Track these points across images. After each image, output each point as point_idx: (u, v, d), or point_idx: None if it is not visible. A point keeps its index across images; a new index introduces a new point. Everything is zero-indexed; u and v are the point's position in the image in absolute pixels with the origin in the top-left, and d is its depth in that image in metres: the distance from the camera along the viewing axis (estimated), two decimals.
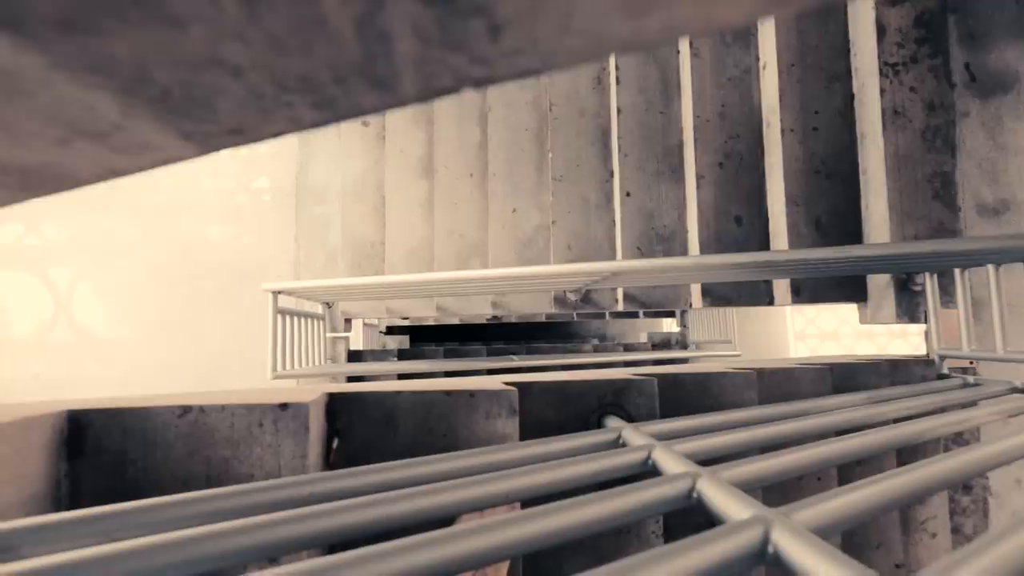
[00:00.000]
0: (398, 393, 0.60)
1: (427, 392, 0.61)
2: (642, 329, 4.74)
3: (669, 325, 4.41)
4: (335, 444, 0.59)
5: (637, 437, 0.55)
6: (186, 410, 0.48)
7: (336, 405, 0.60)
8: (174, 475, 0.48)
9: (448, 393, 0.61)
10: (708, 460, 0.49)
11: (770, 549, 0.30)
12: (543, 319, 4.53)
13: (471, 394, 0.61)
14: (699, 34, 0.14)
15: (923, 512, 1.27)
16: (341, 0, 0.13)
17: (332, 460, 0.58)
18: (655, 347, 3.60)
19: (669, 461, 0.47)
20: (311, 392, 0.55)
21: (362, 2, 0.13)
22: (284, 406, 0.49)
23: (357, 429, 0.60)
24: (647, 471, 0.49)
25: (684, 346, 3.51)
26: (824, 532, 0.31)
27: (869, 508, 0.36)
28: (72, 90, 0.17)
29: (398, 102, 0.18)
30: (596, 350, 3.64)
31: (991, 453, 0.49)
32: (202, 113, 0.20)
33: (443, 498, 0.43)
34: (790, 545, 0.29)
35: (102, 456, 0.47)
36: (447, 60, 0.15)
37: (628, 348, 3.67)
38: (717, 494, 0.37)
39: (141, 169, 0.24)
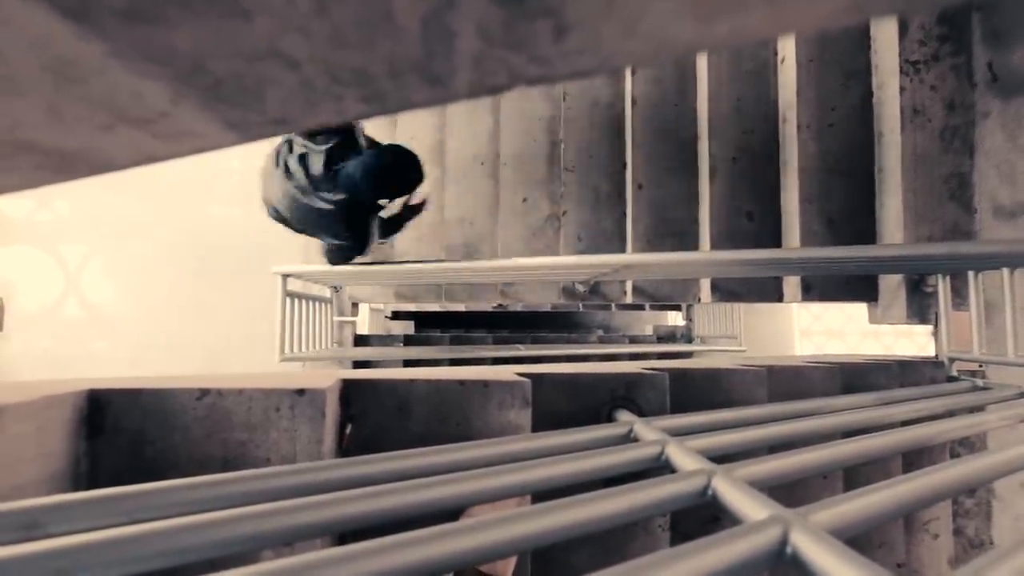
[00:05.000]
0: (412, 381, 0.60)
1: (441, 381, 0.61)
2: (647, 321, 4.74)
3: (674, 318, 4.41)
4: (348, 430, 0.59)
5: (649, 432, 0.56)
6: (204, 393, 0.49)
7: (350, 391, 0.60)
8: (191, 457, 0.49)
9: (462, 383, 0.61)
10: (720, 457, 0.49)
11: (789, 550, 0.31)
12: (548, 308, 4.53)
13: (485, 384, 0.61)
14: (765, 38, 0.14)
15: (926, 513, 1.28)
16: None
17: (345, 446, 0.58)
18: (660, 340, 3.60)
19: (683, 457, 0.47)
20: (327, 378, 0.55)
21: (431, 2, 0.13)
22: (301, 392, 0.49)
23: (370, 416, 0.60)
24: (660, 466, 0.49)
25: (689, 340, 3.51)
26: (841, 533, 0.31)
27: (886, 511, 0.36)
28: (126, 78, 0.17)
29: (448, 98, 0.18)
30: (601, 341, 3.64)
31: (1006, 459, 0.48)
32: (250, 103, 0.19)
33: (457, 489, 0.44)
34: (809, 546, 0.30)
35: (121, 436, 0.48)
36: (506, 59, 0.15)
37: (633, 340, 3.67)
38: (733, 493, 0.37)
39: (179, 156, 0.24)
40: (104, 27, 0.15)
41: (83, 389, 0.48)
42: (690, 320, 3.59)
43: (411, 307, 4.17)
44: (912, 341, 4.15)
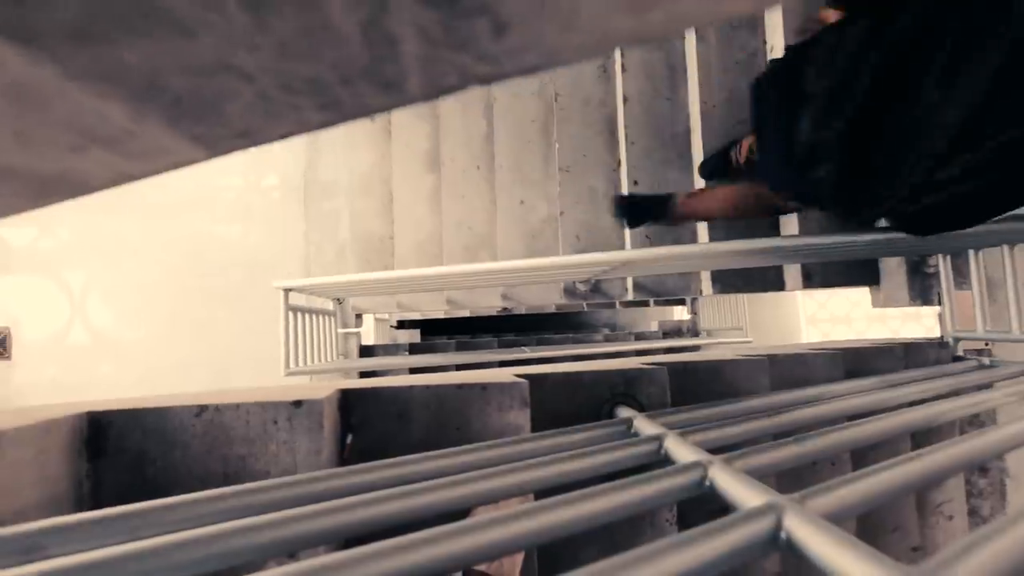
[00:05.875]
0: (411, 387, 0.61)
1: (440, 386, 0.61)
2: (653, 317, 4.73)
3: (680, 313, 4.40)
4: (349, 440, 0.59)
5: (649, 427, 0.56)
6: (202, 409, 0.49)
7: (350, 401, 0.60)
8: (192, 473, 0.49)
9: (460, 386, 0.61)
10: (721, 448, 0.49)
11: (783, 535, 0.31)
12: (553, 310, 4.52)
13: (483, 387, 0.62)
14: (703, 25, 0.14)
15: (939, 495, 1.27)
16: (347, 5, 0.13)
17: (346, 456, 0.58)
18: (666, 335, 3.60)
19: (682, 450, 0.47)
20: (325, 389, 0.56)
21: (368, 7, 0.13)
22: (298, 403, 0.50)
23: (371, 424, 0.60)
24: (660, 460, 0.49)
25: (695, 333, 3.51)
26: (837, 518, 0.31)
27: (881, 494, 0.36)
28: (86, 99, 0.18)
29: (405, 101, 0.18)
30: (607, 339, 3.64)
31: (1004, 436, 0.48)
32: (212, 117, 0.20)
33: (458, 492, 0.44)
34: (802, 531, 0.30)
35: (122, 456, 0.48)
36: (453, 59, 0.16)
37: (639, 337, 3.66)
38: (729, 482, 0.37)
39: (154, 173, 0.24)
40: (54, 50, 0.15)
41: (83, 412, 0.48)
42: (695, 314, 3.59)
43: (416, 315, 4.18)
44: (920, 323, 4.11)
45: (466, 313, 4.09)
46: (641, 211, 1.75)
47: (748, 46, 2.04)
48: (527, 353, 2.42)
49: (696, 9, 0.14)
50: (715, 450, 0.47)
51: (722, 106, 1.99)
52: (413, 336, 4.17)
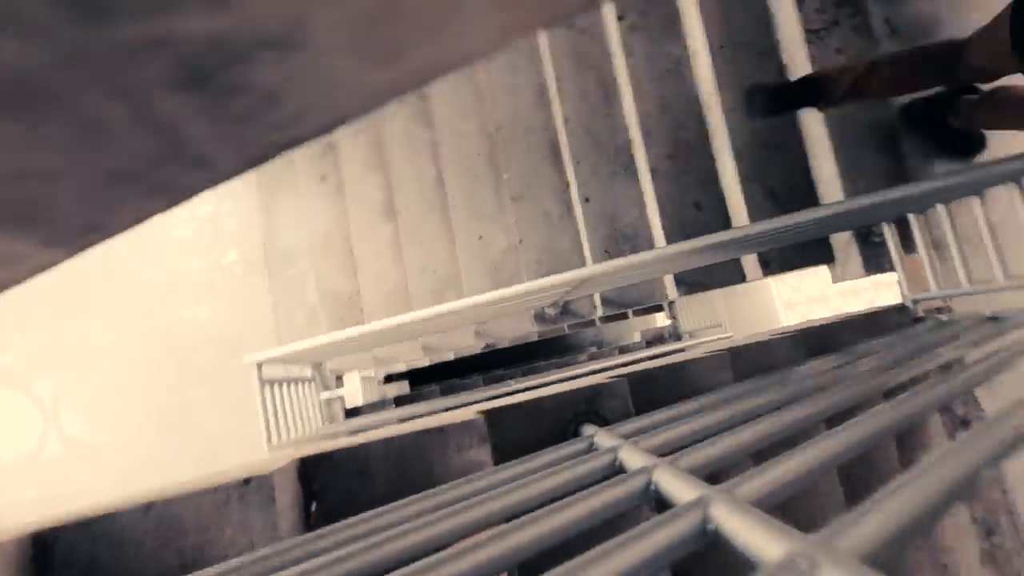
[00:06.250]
0: (368, 444, 0.60)
1: (396, 437, 0.61)
2: (636, 328, 4.76)
3: (662, 320, 4.43)
4: (314, 507, 0.58)
5: (607, 439, 0.56)
6: (150, 506, 0.48)
7: (309, 468, 0.59)
8: (149, 570, 0.48)
9: (418, 434, 0.61)
10: (676, 450, 0.49)
11: (710, 526, 0.31)
12: (536, 338, 4.51)
13: (440, 430, 0.61)
14: (458, 69, 0.15)
15: None
16: (106, 102, 0.14)
17: (312, 523, 0.57)
18: (649, 344, 3.61)
19: (633, 458, 0.47)
20: (278, 460, 0.55)
21: (125, 100, 0.14)
22: (247, 481, 0.49)
23: (332, 487, 0.59)
24: (616, 471, 0.49)
25: (677, 337, 3.53)
26: (765, 503, 0.32)
27: (808, 472, 0.36)
28: None
29: (225, 176, 0.19)
30: (592, 357, 3.64)
31: (937, 394, 0.50)
32: (45, 219, 0.20)
33: (418, 536, 0.43)
34: (726, 520, 0.30)
35: (72, 568, 0.47)
36: (245, 133, 0.16)
37: (623, 350, 3.67)
38: (670, 481, 0.38)
39: (24, 279, 0.25)
40: None
41: (25, 533, 0.47)
42: (674, 318, 3.62)
43: (400, 366, 4.14)
44: (892, 291, 4.18)
45: (451, 356, 4.06)
46: (795, 99, 1.79)
47: (672, 54, 2.12)
48: (513, 385, 2.41)
49: (441, 57, 0.15)
50: (668, 453, 0.47)
51: (658, 114, 2.05)
52: (402, 388, 4.13)
